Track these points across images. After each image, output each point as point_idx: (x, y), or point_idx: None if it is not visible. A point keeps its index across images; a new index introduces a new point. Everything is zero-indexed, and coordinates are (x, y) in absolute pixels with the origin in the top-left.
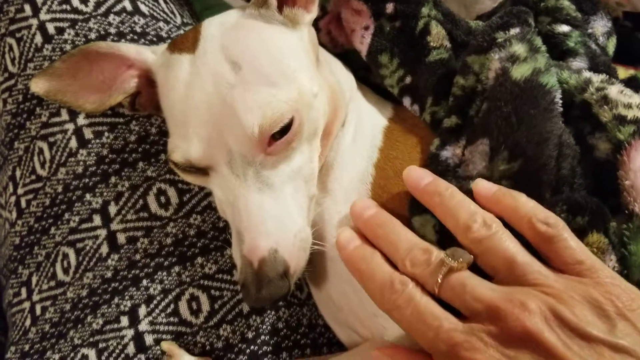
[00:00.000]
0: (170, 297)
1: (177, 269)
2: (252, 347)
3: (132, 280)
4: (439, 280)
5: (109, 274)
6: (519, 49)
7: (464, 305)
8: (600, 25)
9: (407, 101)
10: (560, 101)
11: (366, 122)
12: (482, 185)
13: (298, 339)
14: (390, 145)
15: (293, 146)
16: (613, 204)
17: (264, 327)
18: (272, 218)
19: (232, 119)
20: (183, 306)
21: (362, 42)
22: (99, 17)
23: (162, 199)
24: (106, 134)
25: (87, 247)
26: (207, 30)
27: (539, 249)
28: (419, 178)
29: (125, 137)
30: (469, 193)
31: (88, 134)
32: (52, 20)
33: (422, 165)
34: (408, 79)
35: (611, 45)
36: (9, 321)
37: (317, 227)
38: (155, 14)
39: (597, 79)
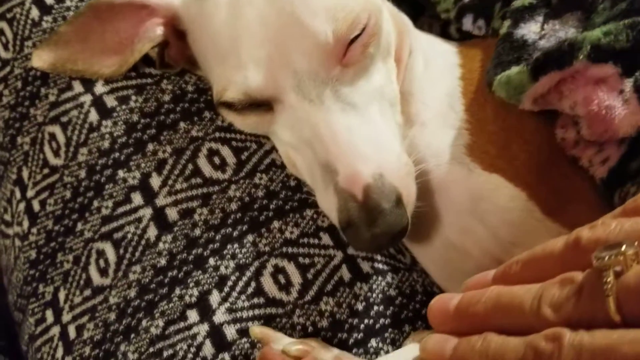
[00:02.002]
0: (248, 273)
1: (250, 238)
2: (365, 320)
3: (195, 262)
4: (612, 294)
5: (162, 262)
6: None
7: None
8: None
9: (468, 20)
10: None
11: (435, 50)
12: None
13: (418, 309)
14: (470, 59)
15: (370, 52)
16: None
17: (374, 295)
18: (367, 140)
19: (295, 29)
20: (267, 282)
21: None
22: None
23: (216, 159)
24: (133, 97)
25: (129, 235)
26: None
27: None
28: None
29: (158, 97)
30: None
31: (110, 101)
32: None
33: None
34: None
35: None
36: None
37: (412, 157)
38: None
39: None
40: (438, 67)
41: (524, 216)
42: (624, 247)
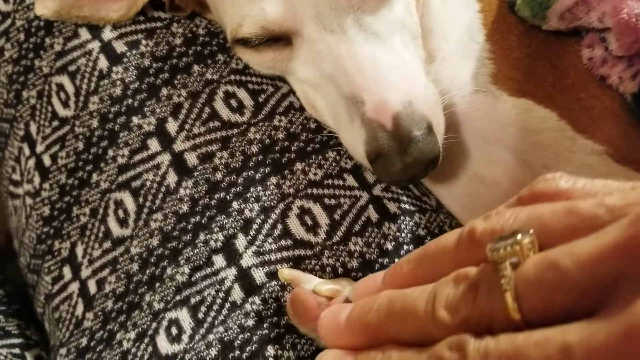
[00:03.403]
0: (274, 215)
1: (274, 180)
2: (396, 260)
3: (218, 206)
4: (510, 289)
5: (184, 208)
6: None
7: (578, 289)
8: None
9: None
10: None
11: None
12: None
13: None
14: None
15: None
16: None
17: (404, 235)
18: (393, 69)
19: None
20: (294, 223)
21: None
22: None
23: (233, 102)
24: (144, 42)
25: (148, 183)
26: None
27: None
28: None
29: (169, 41)
30: None
31: (120, 47)
32: None
33: None
34: None
35: None
36: (49, 328)
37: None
38: None
39: None
40: (455, 3)
41: (556, 136)
42: (519, 236)
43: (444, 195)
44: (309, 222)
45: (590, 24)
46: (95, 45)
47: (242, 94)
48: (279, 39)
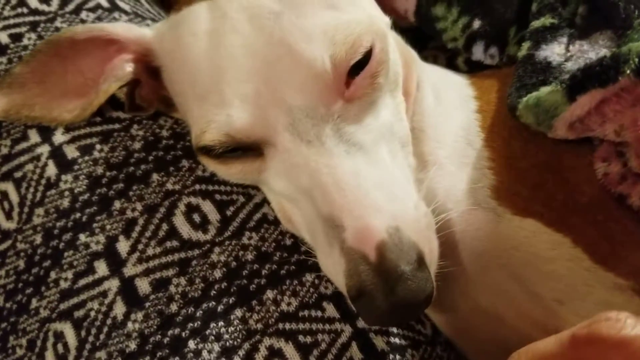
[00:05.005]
0: (237, 358)
1: (239, 313)
2: None
3: (171, 345)
4: None
5: (132, 346)
6: None
7: None
8: None
9: (479, 48)
10: None
11: (445, 82)
12: None
13: None
14: (486, 91)
15: (380, 82)
16: None
17: None
18: (378, 187)
19: (286, 59)
20: None
21: (408, 0)
22: (67, 15)
23: (196, 217)
24: (98, 146)
25: (92, 313)
26: None
27: None
28: None
29: (127, 145)
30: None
31: (71, 152)
32: (5, 28)
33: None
34: (476, 24)
35: None
36: None
37: (431, 206)
38: (139, 12)
39: None
40: (450, 100)
41: (571, 266)
42: None
43: (443, 322)
44: None
45: (606, 136)
46: (44, 149)
47: (207, 206)
48: (247, 149)
